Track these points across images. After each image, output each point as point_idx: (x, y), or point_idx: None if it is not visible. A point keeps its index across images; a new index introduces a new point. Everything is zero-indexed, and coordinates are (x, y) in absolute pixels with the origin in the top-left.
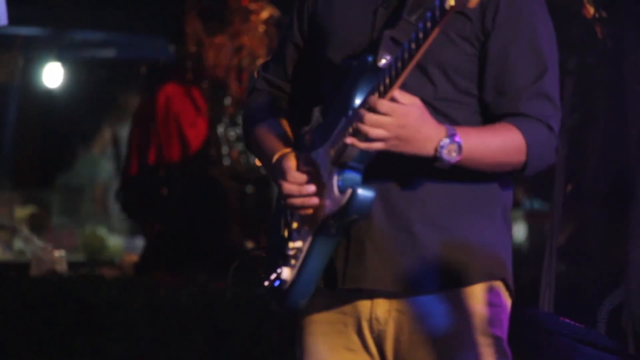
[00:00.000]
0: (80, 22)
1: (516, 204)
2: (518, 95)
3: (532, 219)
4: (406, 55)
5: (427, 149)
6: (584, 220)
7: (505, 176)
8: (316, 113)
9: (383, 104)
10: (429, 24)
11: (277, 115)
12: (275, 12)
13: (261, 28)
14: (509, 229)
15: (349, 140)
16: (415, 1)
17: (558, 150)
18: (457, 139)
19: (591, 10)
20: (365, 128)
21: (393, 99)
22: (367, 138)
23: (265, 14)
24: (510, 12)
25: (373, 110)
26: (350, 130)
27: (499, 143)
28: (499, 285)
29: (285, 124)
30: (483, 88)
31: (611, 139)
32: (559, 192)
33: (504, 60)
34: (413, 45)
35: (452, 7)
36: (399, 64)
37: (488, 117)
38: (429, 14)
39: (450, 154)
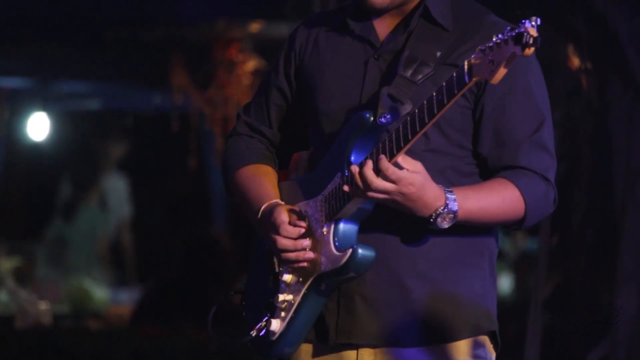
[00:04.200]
0: (65, 74)
1: (501, 254)
2: (517, 148)
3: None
4: (417, 125)
5: (424, 213)
6: (570, 271)
7: (494, 230)
8: (302, 161)
9: (393, 172)
10: (445, 97)
11: (260, 161)
12: (261, 64)
13: (247, 80)
14: (495, 281)
15: (356, 202)
16: (410, 55)
17: (556, 201)
18: (453, 207)
19: (576, 61)
20: (369, 194)
21: (397, 164)
22: (369, 199)
23: (251, 66)
24: None
25: (380, 173)
26: (349, 189)
27: (497, 203)
28: (485, 338)
29: (270, 171)
30: (479, 141)
31: (597, 190)
32: (545, 243)
33: (502, 113)
34: (426, 116)
35: (472, 81)
36: (409, 131)
37: (485, 169)
38: (444, 85)
39: (443, 222)
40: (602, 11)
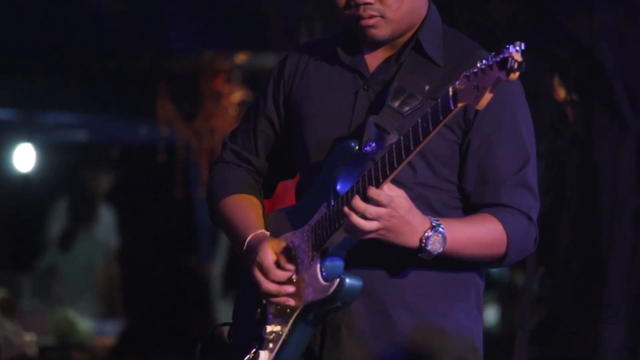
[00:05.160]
0: (51, 105)
1: (488, 287)
2: (500, 185)
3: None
4: (403, 153)
5: (413, 240)
6: (556, 303)
7: (481, 264)
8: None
9: (386, 196)
10: (430, 124)
11: (246, 191)
12: (248, 95)
13: (233, 111)
14: (481, 314)
15: (342, 231)
16: (399, 87)
17: (537, 240)
18: (441, 230)
19: (562, 93)
20: (358, 220)
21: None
22: (360, 230)
23: (237, 97)
24: (492, 99)
25: (371, 200)
26: (339, 219)
27: (481, 236)
28: None
29: (255, 202)
30: (464, 176)
31: (583, 221)
32: (531, 275)
33: (487, 150)
34: (411, 144)
35: (457, 107)
36: (394, 159)
37: (468, 205)
38: (429, 112)
39: (434, 245)
40: (589, 42)
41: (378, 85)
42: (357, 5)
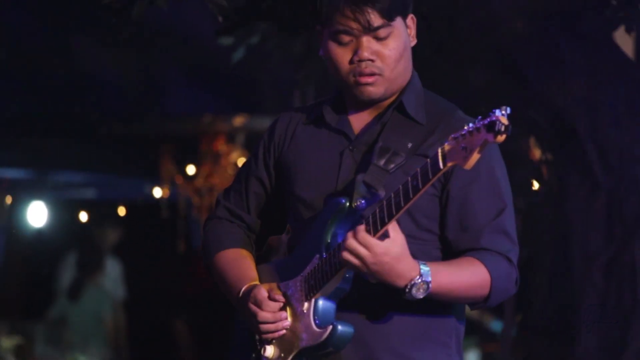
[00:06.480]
0: (62, 165)
1: (469, 332)
2: (479, 232)
3: (485, 346)
4: (393, 209)
5: (398, 284)
6: (532, 348)
7: (461, 309)
8: (282, 245)
9: (362, 237)
10: (420, 182)
11: (240, 246)
12: (245, 155)
13: (232, 170)
14: (461, 358)
15: (334, 282)
16: (383, 146)
17: (517, 281)
18: (427, 279)
19: (537, 153)
20: (343, 254)
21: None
22: (343, 262)
23: (235, 157)
24: None
25: (356, 238)
26: (331, 270)
27: (466, 279)
28: None
29: (248, 255)
30: (445, 226)
31: (556, 273)
32: (509, 322)
33: (465, 199)
34: (402, 201)
35: (446, 167)
36: (385, 215)
37: (450, 253)
38: (419, 171)
39: (417, 292)
40: (562, 106)
41: (363, 145)
42: (360, 62)
